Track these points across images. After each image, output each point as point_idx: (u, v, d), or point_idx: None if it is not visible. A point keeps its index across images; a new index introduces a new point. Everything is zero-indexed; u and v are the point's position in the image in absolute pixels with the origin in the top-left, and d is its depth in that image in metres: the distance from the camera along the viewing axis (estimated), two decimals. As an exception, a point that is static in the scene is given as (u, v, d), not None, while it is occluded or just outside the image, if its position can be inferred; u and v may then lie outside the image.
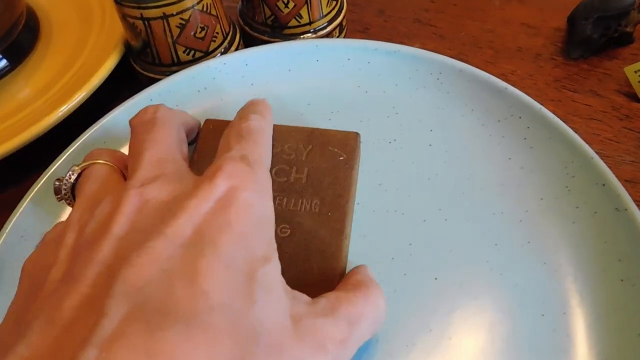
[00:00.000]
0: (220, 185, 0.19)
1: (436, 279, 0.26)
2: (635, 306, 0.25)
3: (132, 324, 0.15)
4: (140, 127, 0.23)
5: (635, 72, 0.36)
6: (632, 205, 0.26)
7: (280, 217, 0.24)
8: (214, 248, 0.17)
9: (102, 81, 0.35)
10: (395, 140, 0.32)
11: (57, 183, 0.24)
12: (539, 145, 0.30)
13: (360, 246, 0.27)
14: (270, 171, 0.25)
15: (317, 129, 0.28)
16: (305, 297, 0.20)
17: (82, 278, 0.17)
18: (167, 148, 0.22)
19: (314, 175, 0.26)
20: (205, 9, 0.33)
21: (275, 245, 0.20)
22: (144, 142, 0.22)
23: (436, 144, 0.31)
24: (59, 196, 0.24)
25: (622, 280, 0.25)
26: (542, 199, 0.29)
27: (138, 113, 0.24)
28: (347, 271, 0.25)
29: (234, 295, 0.17)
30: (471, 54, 0.40)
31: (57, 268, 0.18)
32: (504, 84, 0.32)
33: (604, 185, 0.28)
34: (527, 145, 0.30)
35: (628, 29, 0.39)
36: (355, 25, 0.42)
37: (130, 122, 0.24)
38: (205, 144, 0.28)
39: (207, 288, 0.16)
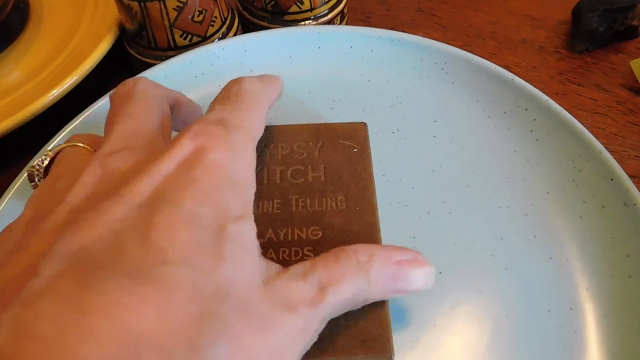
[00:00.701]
0: (185, 145, 0.18)
1: (440, 273, 0.26)
2: (644, 302, 0.24)
3: (65, 279, 0.14)
4: (117, 100, 0.22)
5: (641, 66, 0.35)
6: (640, 200, 0.26)
7: (308, 219, 0.23)
8: (173, 204, 0.16)
9: (94, 65, 0.34)
10: (398, 130, 0.31)
11: (30, 169, 0.22)
12: (546, 138, 0.30)
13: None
14: (286, 173, 0.24)
15: (323, 124, 0.27)
16: (280, 267, 0.19)
17: (26, 247, 0.16)
18: (141, 122, 0.20)
19: (332, 171, 0.25)
20: (203, -8, 0.32)
21: (251, 210, 0.18)
22: (118, 116, 0.20)
23: (440, 135, 0.30)
24: (32, 184, 0.22)
25: (630, 277, 0.25)
26: (548, 192, 0.28)
27: (117, 86, 0.23)
28: None
29: (197, 252, 0.15)
30: (474, 45, 0.39)
31: (8, 244, 0.17)
32: (510, 75, 0.31)
33: (612, 179, 0.27)
34: (534, 138, 0.30)
35: (634, 23, 0.38)
36: (357, 14, 0.41)
37: (110, 95, 0.22)
38: None
39: (162, 244, 0.15)
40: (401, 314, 0.24)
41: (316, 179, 0.24)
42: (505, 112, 0.31)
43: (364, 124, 0.26)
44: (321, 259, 0.18)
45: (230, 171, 0.18)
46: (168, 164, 0.17)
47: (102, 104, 0.30)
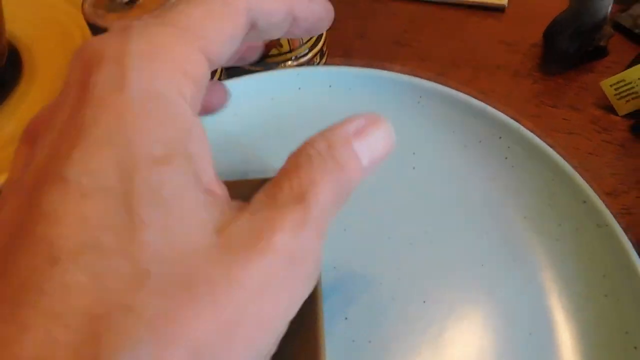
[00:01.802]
0: (72, 72, 0.14)
1: (424, 302, 0.27)
2: (621, 321, 0.25)
3: None
4: None
5: (611, 85, 0.37)
6: (612, 221, 0.27)
7: None
8: (56, 176, 0.12)
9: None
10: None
11: None
12: (520, 164, 0.31)
13: (348, 272, 0.27)
14: None
15: (264, 179, 0.28)
16: (242, 203, 0.15)
17: None
18: None
19: None
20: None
21: (185, 147, 0.14)
22: None
23: (419, 166, 0.32)
24: None
25: (606, 296, 0.26)
26: (525, 217, 0.29)
27: None
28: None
29: (99, 231, 0.12)
30: (451, 73, 0.40)
31: None
32: (482, 105, 0.32)
33: (584, 202, 0.28)
34: (509, 165, 0.31)
35: (602, 43, 0.40)
36: (336, 50, 0.43)
37: None
38: None
39: (50, 236, 0.12)
40: (386, 342, 0.25)
41: None
42: (480, 141, 0.32)
43: None
44: (282, 174, 0.16)
45: (135, 92, 0.13)
46: (54, 118, 0.13)
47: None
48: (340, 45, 0.43)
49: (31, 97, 0.40)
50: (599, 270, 0.27)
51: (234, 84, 0.35)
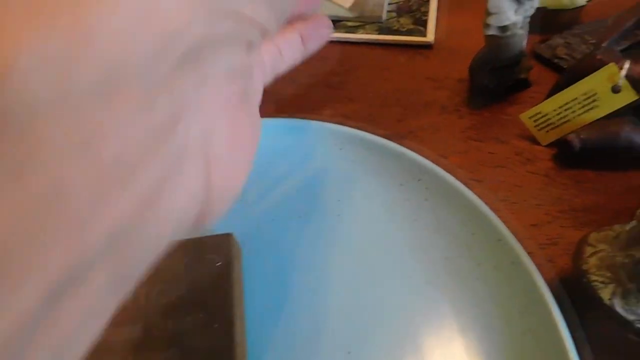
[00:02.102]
0: None
1: (349, 352, 0.27)
2: (539, 357, 0.26)
3: None
4: None
5: (530, 118, 0.38)
6: (525, 258, 0.28)
7: (169, 342, 0.25)
8: None
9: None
10: (305, 214, 0.32)
11: None
12: (439, 206, 0.31)
13: (271, 323, 0.28)
14: (151, 294, 0.26)
15: (191, 239, 0.28)
16: None
17: None
18: None
19: (195, 289, 0.26)
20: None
21: None
22: None
23: (344, 214, 0.32)
24: None
25: (523, 334, 0.26)
26: (446, 258, 0.30)
27: None
28: None
29: None
30: (380, 114, 0.41)
31: None
32: (401, 149, 0.33)
33: (499, 240, 0.29)
34: (429, 207, 0.32)
35: (522, 76, 0.41)
36: (268, 96, 0.43)
37: None
38: None
39: None
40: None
41: (179, 299, 0.26)
42: (402, 185, 0.33)
43: (229, 235, 0.28)
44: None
45: None
46: None
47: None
48: (271, 91, 0.44)
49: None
50: (516, 307, 0.27)
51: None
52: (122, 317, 0.25)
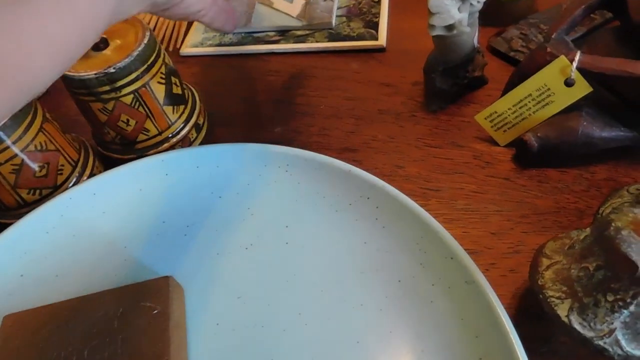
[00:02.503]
0: None
1: (300, 393, 0.25)
2: (498, 383, 0.24)
3: None
4: None
5: (486, 118, 0.36)
6: (479, 276, 0.26)
7: None
8: None
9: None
10: (252, 245, 0.31)
11: None
12: (390, 224, 0.30)
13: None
14: (83, 354, 0.24)
15: (127, 286, 0.27)
16: None
17: None
18: None
19: (130, 341, 0.25)
20: (41, 147, 0.32)
21: None
22: None
23: (292, 241, 0.31)
24: None
25: (480, 359, 0.25)
26: (400, 280, 0.28)
27: None
28: None
29: None
30: (333, 126, 0.40)
31: None
32: (348, 167, 0.31)
33: (452, 258, 0.27)
34: (380, 226, 0.30)
35: (477, 73, 0.39)
36: (218, 117, 0.42)
37: None
38: (8, 348, 0.26)
39: None
40: None
41: (113, 354, 0.24)
42: (351, 204, 0.31)
43: (167, 278, 0.27)
44: None
45: None
46: None
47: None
48: (224, 112, 0.42)
49: None
50: (472, 330, 0.26)
51: (98, 182, 0.33)
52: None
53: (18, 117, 0.31)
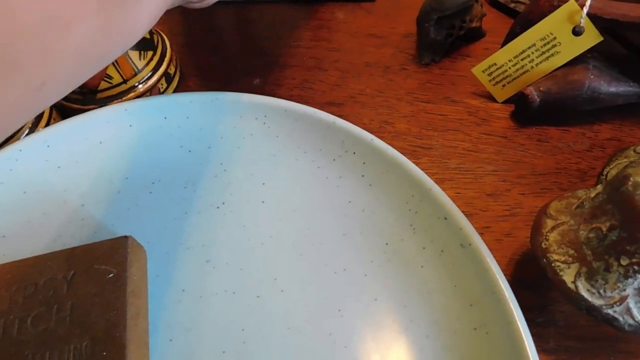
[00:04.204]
0: None
1: (277, 365, 0.23)
2: (491, 355, 0.22)
3: None
4: None
5: (484, 72, 0.33)
6: (476, 239, 0.23)
7: None
8: None
9: None
10: (224, 203, 0.28)
11: None
12: (378, 182, 0.27)
13: (186, 344, 0.23)
14: (26, 322, 0.21)
15: (79, 247, 0.24)
16: None
17: None
18: None
19: (81, 309, 0.22)
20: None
21: None
22: None
23: (269, 199, 0.28)
24: None
25: (475, 329, 0.22)
26: (387, 244, 0.26)
27: None
28: None
29: None
30: (316, 79, 0.36)
31: None
32: (332, 118, 0.28)
33: (446, 218, 0.25)
34: (366, 183, 0.27)
35: (474, 24, 0.36)
36: (191, 68, 0.38)
37: None
38: None
39: None
40: None
41: (60, 323, 0.21)
42: (334, 160, 0.28)
43: (126, 239, 0.23)
44: None
45: None
46: None
47: None
48: (195, 63, 0.38)
49: None
50: (466, 298, 0.23)
51: (51, 133, 0.30)
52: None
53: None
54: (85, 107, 0.33)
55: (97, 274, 0.23)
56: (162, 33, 0.36)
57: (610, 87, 0.30)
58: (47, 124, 0.32)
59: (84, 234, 0.27)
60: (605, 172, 0.27)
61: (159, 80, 0.34)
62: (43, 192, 0.29)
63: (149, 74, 0.34)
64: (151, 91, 0.34)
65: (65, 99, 0.34)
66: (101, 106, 0.31)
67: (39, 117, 0.32)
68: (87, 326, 0.21)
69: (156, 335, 0.24)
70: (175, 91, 0.36)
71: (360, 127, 0.29)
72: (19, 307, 0.22)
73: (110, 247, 0.24)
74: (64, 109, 0.34)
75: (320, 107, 0.34)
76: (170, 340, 0.24)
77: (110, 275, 0.23)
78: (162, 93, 0.35)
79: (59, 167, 0.30)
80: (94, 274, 0.23)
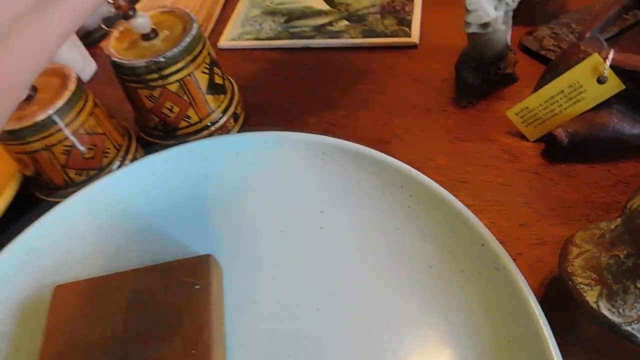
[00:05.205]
0: None
1: (334, 367, 0.27)
2: (525, 366, 0.25)
3: None
4: None
5: (517, 114, 0.37)
6: (510, 263, 0.27)
7: None
8: None
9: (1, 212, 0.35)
10: (287, 228, 0.32)
11: None
12: (422, 212, 0.31)
13: (255, 348, 0.27)
14: (129, 323, 0.26)
15: (169, 262, 0.28)
16: None
17: None
18: None
19: (172, 313, 0.26)
20: (90, 131, 0.34)
21: None
22: None
23: (327, 225, 0.32)
24: None
25: (509, 342, 0.26)
26: (431, 266, 0.29)
27: None
28: None
29: None
30: (365, 119, 0.41)
31: None
32: (382, 156, 0.32)
33: (482, 245, 0.28)
34: (413, 214, 0.31)
35: (508, 71, 0.40)
36: (254, 108, 0.43)
37: None
38: (59, 315, 0.28)
39: None
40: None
41: (157, 324, 0.26)
42: (384, 192, 0.32)
43: (208, 257, 0.28)
44: None
45: None
46: None
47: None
48: (258, 103, 0.44)
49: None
50: (501, 315, 0.27)
51: (144, 164, 0.35)
52: (95, 350, 0.25)
53: (72, 102, 0.33)
54: (166, 143, 0.38)
55: (185, 285, 0.27)
56: (231, 79, 0.42)
57: (633, 129, 0.34)
58: (134, 156, 0.38)
59: (168, 251, 0.32)
60: (628, 206, 0.30)
61: (228, 119, 0.39)
62: (133, 215, 0.34)
63: (220, 115, 0.39)
64: (221, 129, 0.39)
65: (149, 135, 0.39)
66: (180, 143, 0.37)
67: (126, 149, 0.38)
68: (178, 328, 0.26)
69: (230, 339, 0.28)
70: (241, 129, 0.41)
71: (405, 162, 0.33)
72: (123, 310, 0.27)
73: (195, 263, 0.28)
74: (146, 144, 0.39)
75: (370, 143, 0.38)
76: (242, 345, 0.28)
77: (196, 286, 0.27)
78: (230, 131, 0.40)
79: (146, 194, 0.35)
80: (182, 285, 0.27)
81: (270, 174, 0.35)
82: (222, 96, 0.39)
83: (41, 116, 0.32)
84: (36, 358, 0.26)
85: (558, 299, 0.29)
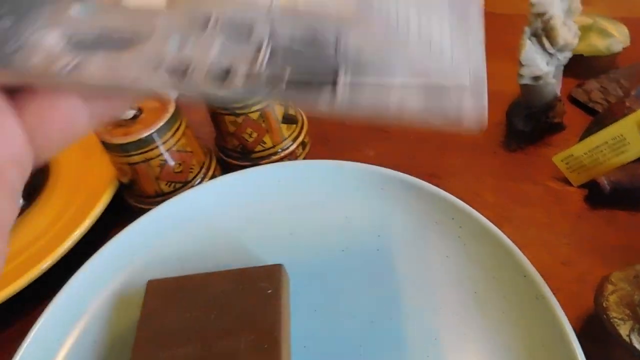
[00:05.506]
0: None
1: (384, 375, 0.30)
2: (560, 388, 0.28)
3: None
4: None
5: (562, 160, 0.40)
6: (549, 294, 0.30)
7: (224, 357, 0.28)
8: None
9: (98, 215, 0.40)
10: (347, 248, 0.36)
11: None
12: (471, 243, 0.34)
13: (316, 350, 0.31)
14: (209, 317, 0.30)
15: (245, 269, 0.32)
16: None
17: None
18: None
19: (248, 313, 0.30)
20: (180, 149, 0.40)
21: None
22: None
23: (383, 248, 0.36)
24: None
25: (546, 366, 0.29)
26: (476, 292, 0.33)
27: None
28: None
29: None
30: (418, 151, 0.45)
31: None
32: (436, 189, 0.36)
33: (525, 276, 0.31)
34: (462, 243, 0.35)
35: (556, 120, 0.43)
36: (318, 138, 0.48)
37: None
38: (151, 306, 0.32)
39: None
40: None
41: (234, 321, 0.30)
42: (436, 222, 0.36)
43: (280, 266, 0.32)
44: None
45: None
46: None
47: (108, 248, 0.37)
48: (321, 134, 0.48)
49: (55, 199, 0.46)
50: (539, 340, 0.30)
51: (225, 181, 0.40)
52: (182, 338, 0.29)
53: (170, 122, 0.38)
54: (242, 164, 0.43)
55: (259, 289, 0.31)
56: (302, 112, 0.47)
57: (673, 182, 0.36)
58: (213, 174, 0.43)
59: (240, 259, 0.36)
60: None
61: (297, 147, 0.44)
62: (213, 226, 0.39)
63: (291, 142, 0.44)
64: (290, 155, 0.44)
65: (227, 155, 0.44)
66: (254, 164, 0.41)
67: (207, 167, 0.43)
68: (253, 325, 0.30)
69: (294, 341, 0.32)
70: (306, 156, 0.46)
71: (456, 196, 0.36)
72: (204, 306, 0.31)
73: (268, 271, 0.33)
74: (225, 163, 0.45)
75: (423, 176, 0.42)
76: (305, 347, 0.32)
77: (269, 291, 0.31)
78: (297, 157, 0.45)
79: (225, 208, 0.39)
80: (257, 289, 0.32)
81: (333, 198, 0.39)
82: (294, 126, 0.44)
83: (144, 134, 0.37)
84: (132, 341, 0.31)
85: (593, 331, 0.32)
